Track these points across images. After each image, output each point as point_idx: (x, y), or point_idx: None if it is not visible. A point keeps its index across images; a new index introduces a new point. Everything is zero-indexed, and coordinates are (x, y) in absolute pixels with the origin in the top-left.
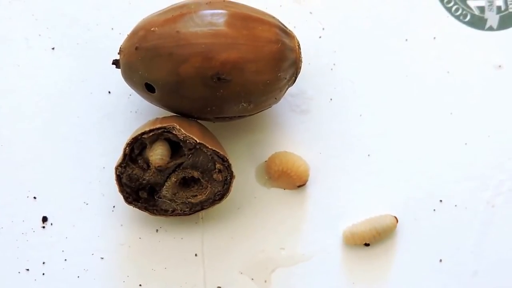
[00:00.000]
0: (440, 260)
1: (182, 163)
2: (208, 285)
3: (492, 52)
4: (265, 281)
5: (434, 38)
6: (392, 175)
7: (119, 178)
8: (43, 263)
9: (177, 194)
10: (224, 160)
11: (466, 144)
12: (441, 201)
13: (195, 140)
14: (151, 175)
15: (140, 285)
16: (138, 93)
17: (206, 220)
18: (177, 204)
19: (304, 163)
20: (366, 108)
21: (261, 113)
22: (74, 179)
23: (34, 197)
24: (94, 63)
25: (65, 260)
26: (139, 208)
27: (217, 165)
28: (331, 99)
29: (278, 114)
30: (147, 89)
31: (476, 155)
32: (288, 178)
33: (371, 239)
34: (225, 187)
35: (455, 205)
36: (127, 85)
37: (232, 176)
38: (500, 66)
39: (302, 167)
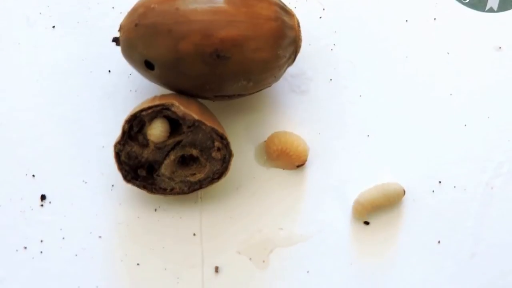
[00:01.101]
0: (439, 242)
1: (181, 140)
2: (206, 265)
3: (492, 33)
4: (263, 261)
5: (435, 19)
6: (391, 156)
7: (117, 155)
8: (41, 241)
9: (175, 173)
10: (222, 138)
11: (465, 125)
12: (440, 182)
13: (194, 117)
14: (150, 152)
15: (138, 264)
16: (138, 71)
17: (204, 200)
18: (176, 183)
19: (303, 143)
20: (365, 89)
21: (260, 93)
22: (73, 157)
23: (33, 175)
24: (95, 42)
25: (63, 238)
26: (138, 186)
27: (216, 143)
28: (331, 80)
29: (277, 94)
30: (147, 66)
31: (476, 137)
32: (287, 157)
33: (380, 206)
34: (223, 165)
35: (454, 187)
36: (127, 64)
37: (230, 154)
38: (500, 47)
39: (301, 147)
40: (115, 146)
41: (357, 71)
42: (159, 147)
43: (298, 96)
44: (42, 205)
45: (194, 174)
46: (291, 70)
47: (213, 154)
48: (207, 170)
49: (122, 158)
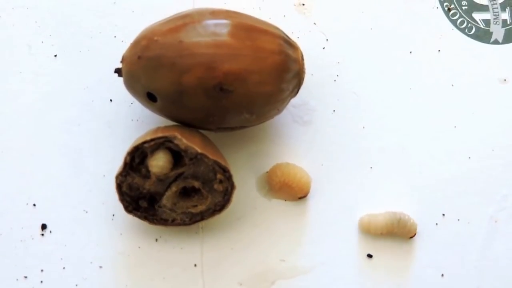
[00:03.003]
0: (442, 275)
1: (183, 172)
2: None
3: (497, 65)
4: None
5: (439, 51)
6: (394, 188)
7: (119, 187)
8: (42, 270)
9: (177, 204)
10: (225, 171)
11: (469, 158)
12: (443, 215)
13: (196, 150)
14: (152, 184)
15: None
16: (140, 102)
17: (206, 230)
18: (177, 214)
19: (306, 175)
20: (369, 120)
21: (263, 124)
22: (74, 187)
23: (34, 205)
24: (96, 71)
25: (64, 268)
26: (139, 217)
27: (218, 176)
28: (334, 111)
29: (280, 125)
30: (149, 98)
31: (480, 169)
32: (290, 189)
33: (387, 230)
34: (225, 197)
35: (458, 220)
36: (128, 93)
37: (233, 187)
38: (505, 80)
39: (304, 179)
40: (117, 177)
41: (360, 102)
42: (161, 178)
43: (300, 127)
44: (42, 235)
45: (196, 205)
46: (294, 100)
47: (215, 186)
48: (209, 202)
49: (124, 189)
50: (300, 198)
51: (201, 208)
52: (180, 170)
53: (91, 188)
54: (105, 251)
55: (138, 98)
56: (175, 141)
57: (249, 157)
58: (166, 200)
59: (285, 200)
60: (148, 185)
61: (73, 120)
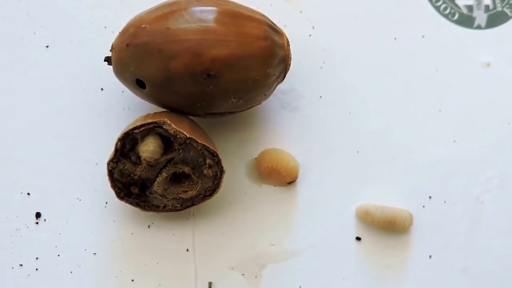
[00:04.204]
0: (430, 256)
1: (173, 158)
2: (199, 281)
3: (480, 50)
4: (256, 277)
5: (423, 36)
6: (380, 172)
7: (110, 173)
8: (37, 258)
9: (168, 190)
10: (214, 155)
11: (454, 141)
12: (430, 197)
13: (185, 135)
14: (143, 170)
15: (132, 280)
16: (130, 89)
17: (197, 217)
18: (168, 200)
19: (293, 160)
20: (355, 106)
21: (251, 110)
22: (67, 175)
23: (28, 194)
24: (87, 61)
25: (58, 255)
26: (131, 203)
27: (208, 160)
28: (321, 97)
29: (268, 112)
30: (138, 85)
31: (465, 152)
32: (278, 174)
33: (380, 225)
34: (215, 182)
35: (444, 202)
36: (119, 82)
37: (222, 171)
38: (488, 64)
39: (292, 164)
40: (108, 164)
41: (346, 88)
42: (151, 164)
43: (288, 113)
44: (37, 223)
45: (186, 191)
46: (281, 87)
47: (205, 171)
48: (199, 187)
49: (115, 175)
50: (289, 183)
51: (191, 193)
52: (170, 156)
53: (84, 176)
54: (99, 238)
55: (127, 86)
56: (164, 126)
57: (238, 144)
58: (157, 186)
59: (275, 186)
60: (139, 171)
61: (65, 110)
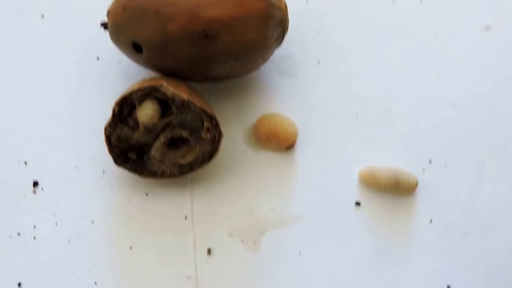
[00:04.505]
0: (431, 221)
1: (170, 122)
2: (198, 247)
3: (479, 13)
4: (255, 243)
5: (421, 1)
6: (380, 137)
7: (108, 138)
8: (34, 227)
9: (166, 155)
10: (212, 118)
11: (454, 105)
12: (430, 161)
13: (183, 97)
14: (140, 135)
15: (130, 247)
16: (127, 55)
17: (195, 183)
18: (166, 166)
19: (292, 124)
20: (353, 71)
21: (249, 76)
22: (65, 144)
23: (25, 162)
24: (83, 29)
25: (56, 224)
26: (129, 169)
27: (205, 124)
28: (319, 62)
29: (265, 77)
30: (135, 49)
31: (465, 116)
32: (277, 139)
33: (387, 187)
34: (213, 146)
35: (445, 165)
36: (115, 50)
37: (220, 134)
38: (487, 27)
39: (290, 128)
40: (106, 128)
41: (344, 53)
42: (149, 128)
43: (286, 79)
44: (34, 192)
45: (184, 156)
46: (279, 52)
47: (203, 134)
48: (197, 151)
49: (113, 141)
50: (288, 148)
51: (189, 158)
52: (168, 120)
53: (81, 145)
54: (97, 206)
55: (124, 51)
56: (162, 89)
57: (235, 111)
58: (155, 151)
59: (273, 151)
60: (137, 136)
61: (62, 79)
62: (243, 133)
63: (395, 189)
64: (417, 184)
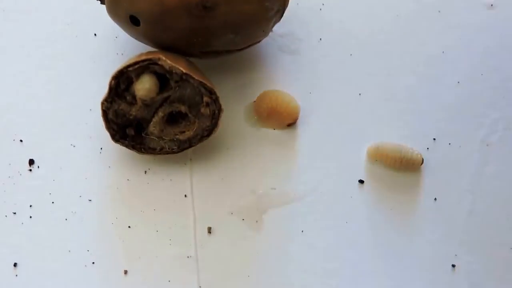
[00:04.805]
0: (435, 199)
1: (169, 96)
2: (198, 226)
3: None
4: (257, 222)
5: None
6: (383, 114)
7: (105, 113)
8: (30, 206)
9: (164, 131)
10: (211, 93)
11: (458, 82)
12: (434, 139)
13: (181, 70)
14: (138, 110)
15: (129, 226)
16: (124, 29)
17: (195, 161)
18: (165, 142)
19: (294, 101)
20: (355, 48)
21: (249, 53)
22: (61, 121)
23: (21, 140)
24: (80, 5)
25: (53, 203)
26: (126, 146)
27: (205, 98)
28: (320, 39)
29: (266, 54)
30: (132, 22)
31: (469, 94)
32: (278, 115)
33: (393, 163)
34: (213, 121)
35: (449, 144)
36: (112, 27)
37: (220, 109)
38: (491, 5)
39: (292, 104)
40: (102, 103)
41: (346, 30)
42: (147, 104)
43: (287, 56)
44: (30, 170)
45: (183, 131)
46: (280, 30)
47: (202, 109)
48: (196, 127)
49: (110, 116)
50: (289, 125)
51: (188, 134)
52: (166, 94)
53: (77, 122)
54: (94, 185)
55: (121, 25)
56: (160, 63)
57: (235, 88)
58: (153, 126)
59: (274, 129)
60: (135, 111)
61: (58, 56)
62: (243, 110)
63: (401, 165)
64: (422, 160)
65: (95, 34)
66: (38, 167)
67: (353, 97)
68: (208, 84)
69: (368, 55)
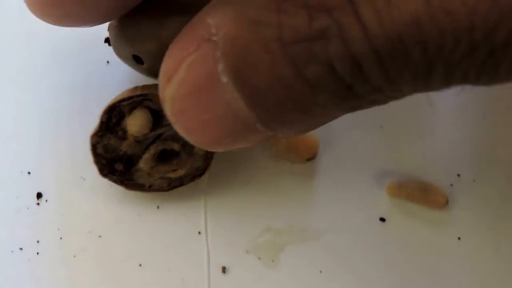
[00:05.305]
0: (459, 238)
1: (162, 134)
2: (212, 265)
3: None
4: (273, 261)
5: None
6: (406, 148)
7: (94, 147)
8: (38, 241)
9: (155, 168)
10: None
11: (484, 116)
12: (458, 175)
13: None
14: (129, 145)
15: (140, 265)
16: (131, 67)
17: (209, 196)
18: (155, 179)
19: (313, 135)
20: None
21: None
22: (70, 153)
23: (28, 173)
24: (92, 32)
25: (61, 238)
26: (115, 181)
27: None
28: None
29: None
30: (136, 61)
31: (495, 128)
32: (296, 150)
33: (416, 201)
34: (206, 162)
35: (474, 180)
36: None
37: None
38: None
39: (311, 139)
40: (92, 137)
41: None
42: (138, 140)
43: None
44: (38, 204)
45: (175, 170)
46: None
47: (196, 149)
48: (189, 166)
49: (99, 151)
50: (308, 160)
51: (180, 173)
52: (159, 131)
53: (88, 154)
54: (104, 220)
55: (128, 63)
56: (154, 99)
57: None
58: (144, 163)
59: (292, 163)
60: (125, 147)
61: (67, 85)
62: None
63: (424, 203)
64: (447, 200)
65: (108, 62)
66: (46, 200)
67: (375, 130)
68: None
69: None
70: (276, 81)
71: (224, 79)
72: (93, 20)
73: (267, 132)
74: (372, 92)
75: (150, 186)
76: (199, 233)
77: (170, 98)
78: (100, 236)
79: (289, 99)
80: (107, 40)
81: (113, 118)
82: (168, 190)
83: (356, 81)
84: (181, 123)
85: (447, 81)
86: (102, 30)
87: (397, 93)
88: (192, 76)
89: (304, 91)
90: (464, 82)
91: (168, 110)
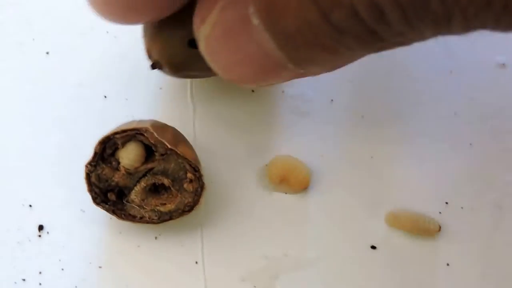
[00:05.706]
0: (447, 264)
1: (152, 168)
2: None
3: (495, 51)
4: None
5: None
6: (395, 178)
7: (88, 176)
8: (40, 272)
9: (145, 200)
10: (196, 170)
11: (470, 144)
12: (446, 203)
13: (166, 145)
14: (121, 177)
15: None
16: (180, 57)
17: (206, 226)
18: (146, 211)
19: (305, 168)
20: (367, 109)
21: (260, 115)
22: (70, 186)
23: (30, 205)
24: (89, 67)
25: (62, 269)
26: (107, 210)
27: (188, 175)
28: (332, 100)
29: (277, 116)
30: (191, 46)
31: (481, 156)
32: (289, 183)
33: (409, 230)
34: (195, 198)
35: (461, 208)
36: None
37: (203, 187)
38: (503, 64)
39: (303, 174)
40: (86, 166)
41: (358, 91)
42: (130, 172)
43: (298, 118)
44: (40, 236)
45: (165, 204)
46: (290, 91)
47: (185, 185)
48: (178, 201)
49: (92, 180)
50: (301, 191)
51: (170, 207)
52: (150, 165)
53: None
54: (104, 251)
55: (180, 59)
56: (146, 135)
57: (247, 149)
58: (135, 195)
59: (286, 193)
60: (117, 178)
61: (68, 118)
62: (255, 173)
63: (417, 233)
64: (439, 228)
65: (105, 96)
66: (48, 232)
67: (365, 160)
68: (193, 162)
69: (380, 117)
70: (304, 24)
71: (255, 21)
72: (155, 13)
73: (297, 70)
74: (395, 36)
75: (141, 218)
76: (196, 262)
77: (205, 38)
78: (100, 267)
79: (317, 41)
80: (154, 66)
81: (107, 149)
82: (158, 223)
83: (379, 27)
84: (215, 62)
85: (467, 28)
86: (100, 65)
87: (420, 37)
88: (225, 18)
89: (331, 34)
90: (484, 28)
91: (203, 49)
